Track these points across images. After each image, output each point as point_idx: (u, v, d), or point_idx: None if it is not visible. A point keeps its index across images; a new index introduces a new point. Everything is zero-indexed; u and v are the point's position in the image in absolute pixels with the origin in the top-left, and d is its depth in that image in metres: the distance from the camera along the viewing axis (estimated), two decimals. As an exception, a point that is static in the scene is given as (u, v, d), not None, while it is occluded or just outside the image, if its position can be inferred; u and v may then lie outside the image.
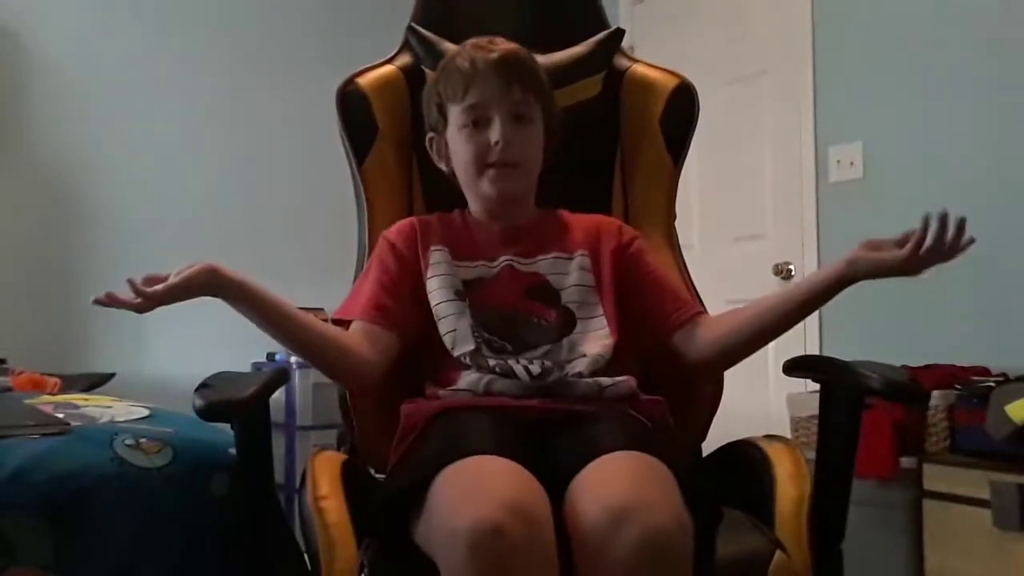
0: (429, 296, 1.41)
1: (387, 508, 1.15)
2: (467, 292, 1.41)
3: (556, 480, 1.09)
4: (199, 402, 1.08)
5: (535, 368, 1.33)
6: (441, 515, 1.04)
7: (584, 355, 1.36)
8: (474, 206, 1.50)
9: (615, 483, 1.06)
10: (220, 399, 1.09)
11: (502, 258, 1.44)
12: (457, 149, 1.45)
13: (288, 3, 4.12)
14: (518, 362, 1.33)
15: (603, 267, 1.45)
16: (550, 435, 1.21)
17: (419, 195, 1.64)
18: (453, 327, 1.37)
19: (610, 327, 1.40)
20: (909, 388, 1.17)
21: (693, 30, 3.60)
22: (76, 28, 3.63)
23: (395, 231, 1.49)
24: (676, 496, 1.06)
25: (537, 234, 1.49)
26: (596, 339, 1.38)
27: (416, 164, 1.63)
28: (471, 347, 1.35)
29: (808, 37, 3.26)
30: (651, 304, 1.44)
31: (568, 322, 1.40)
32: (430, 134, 1.51)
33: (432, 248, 1.44)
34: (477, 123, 1.41)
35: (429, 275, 1.42)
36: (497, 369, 1.33)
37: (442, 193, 1.56)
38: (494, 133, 1.39)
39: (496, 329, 1.38)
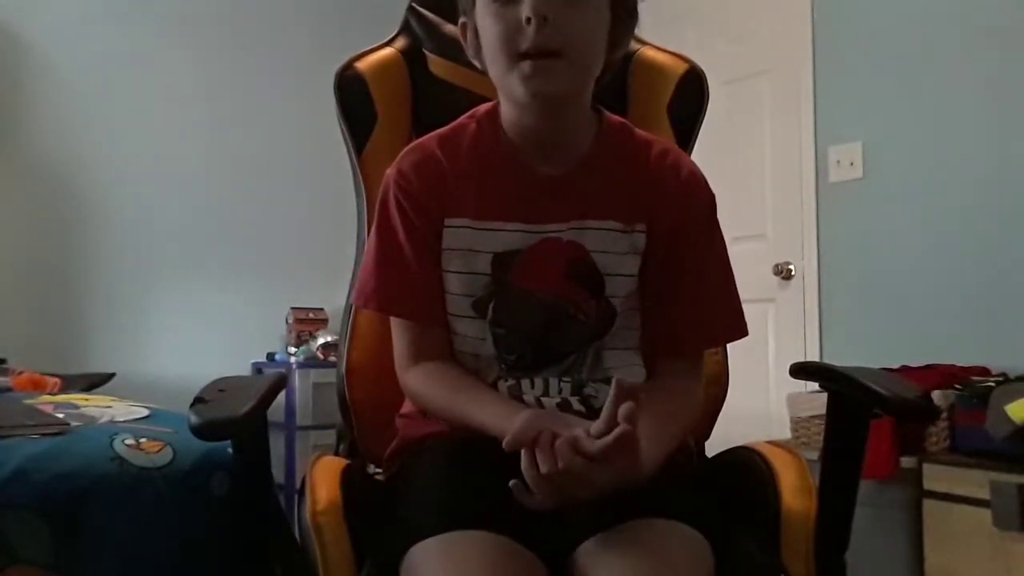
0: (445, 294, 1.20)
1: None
2: (496, 269, 1.16)
3: (565, 538, 1.00)
4: (195, 420, 1.00)
5: (551, 405, 1.14)
6: None
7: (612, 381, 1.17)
8: (508, 112, 1.18)
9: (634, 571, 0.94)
10: (217, 419, 1.03)
11: (548, 225, 1.16)
12: (484, 33, 1.12)
13: (289, 2, 4.12)
14: (533, 386, 1.15)
15: (654, 249, 1.18)
16: None
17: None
18: (475, 351, 1.18)
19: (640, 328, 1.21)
20: (920, 406, 1.12)
21: (693, 30, 3.59)
22: (76, 28, 3.63)
23: (410, 168, 1.19)
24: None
25: (593, 178, 1.17)
26: (627, 353, 1.20)
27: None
28: (490, 381, 1.17)
29: (808, 37, 3.27)
30: (660, 311, 1.20)
31: (606, 321, 1.17)
32: (462, 19, 1.20)
33: (447, 220, 1.17)
34: None
35: (444, 264, 1.18)
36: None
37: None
38: (525, 7, 1.06)
39: (520, 336, 1.17)
